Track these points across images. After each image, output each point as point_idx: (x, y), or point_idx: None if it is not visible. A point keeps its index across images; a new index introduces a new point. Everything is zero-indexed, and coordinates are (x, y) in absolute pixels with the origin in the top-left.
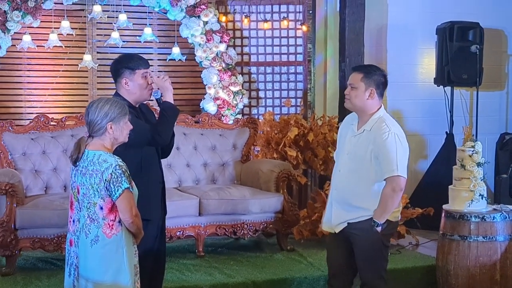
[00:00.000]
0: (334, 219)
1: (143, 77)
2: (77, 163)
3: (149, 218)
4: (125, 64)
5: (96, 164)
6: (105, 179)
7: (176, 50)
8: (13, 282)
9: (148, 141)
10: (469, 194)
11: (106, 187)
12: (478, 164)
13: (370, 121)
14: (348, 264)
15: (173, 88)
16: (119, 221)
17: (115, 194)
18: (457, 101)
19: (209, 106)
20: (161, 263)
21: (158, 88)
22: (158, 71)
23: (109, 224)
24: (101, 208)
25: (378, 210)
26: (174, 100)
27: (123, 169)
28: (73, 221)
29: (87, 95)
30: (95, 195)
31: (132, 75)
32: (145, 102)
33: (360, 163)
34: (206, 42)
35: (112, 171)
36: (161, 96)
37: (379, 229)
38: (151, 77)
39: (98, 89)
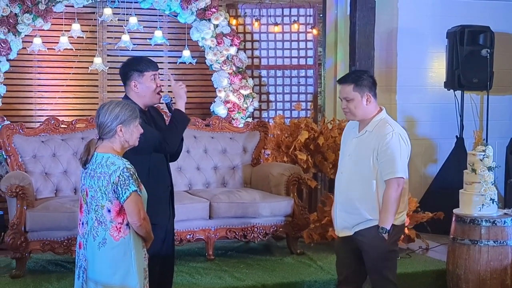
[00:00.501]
0: (338, 222)
1: (152, 80)
2: (87, 166)
3: (155, 222)
4: (133, 66)
5: (104, 166)
6: (113, 182)
7: (186, 53)
8: (23, 285)
9: (156, 148)
10: (479, 198)
11: (114, 190)
12: (489, 168)
13: (372, 122)
14: (357, 270)
15: None
16: (127, 224)
17: (123, 196)
18: (467, 105)
19: (220, 110)
20: (169, 266)
21: (169, 92)
22: (171, 74)
23: (116, 227)
24: (109, 210)
25: (383, 214)
26: (185, 103)
27: (131, 172)
28: (82, 223)
29: (97, 98)
30: (103, 197)
31: (141, 77)
32: (155, 106)
33: (361, 163)
34: (216, 45)
35: (120, 173)
36: (171, 100)
37: (386, 236)
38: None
39: (108, 92)
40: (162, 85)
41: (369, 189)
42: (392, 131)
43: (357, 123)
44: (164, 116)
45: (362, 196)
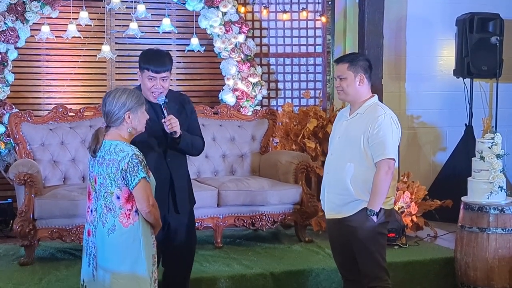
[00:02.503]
0: (326, 204)
1: (148, 79)
2: (96, 154)
3: None
4: (140, 59)
5: (113, 153)
6: (122, 169)
7: (194, 41)
8: (32, 272)
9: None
10: (488, 186)
11: (123, 177)
12: (498, 156)
13: (364, 106)
14: (350, 254)
15: (192, 79)
16: (136, 211)
17: (132, 183)
18: (476, 93)
19: (228, 98)
20: (174, 257)
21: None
22: (177, 62)
23: (125, 213)
24: (118, 197)
25: (372, 197)
26: (193, 91)
27: (139, 159)
28: (91, 211)
29: (105, 86)
30: (111, 184)
31: (141, 72)
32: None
33: (351, 144)
34: (225, 33)
35: (129, 160)
36: (165, 102)
37: (375, 218)
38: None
39: (116, 79)
40: (156, 87)
41: (358, 171)
42: (383, 113)
43: (348, 110)
44: (186, 105)
45: (351, 177)
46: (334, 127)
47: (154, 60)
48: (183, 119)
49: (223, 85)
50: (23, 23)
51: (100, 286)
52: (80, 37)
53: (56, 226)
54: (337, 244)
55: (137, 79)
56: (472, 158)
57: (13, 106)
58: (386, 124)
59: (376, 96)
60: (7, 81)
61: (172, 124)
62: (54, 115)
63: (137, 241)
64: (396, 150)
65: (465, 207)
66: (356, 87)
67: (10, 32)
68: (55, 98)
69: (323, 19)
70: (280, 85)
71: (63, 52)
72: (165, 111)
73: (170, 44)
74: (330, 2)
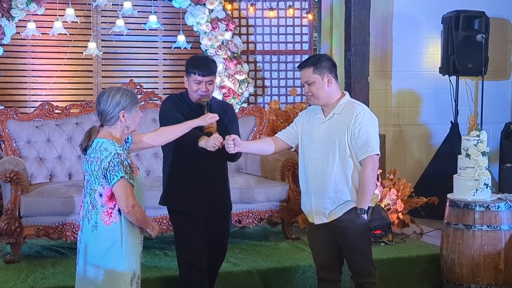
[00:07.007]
0: (314, 209)
1: (195, 83)
2: (86, 151)
3: (178, 209)
4: (187, 65)
5: (98, 151)
6: (103, 167)
7: (181, 38)
8: (18, 270)
9: None
10: (473, 183)
11: (104, 175)
12: (483, 153)
13: (338, 106)
14: (335, 255)
15: (179, 76)
16: (119, 210)
17: (111, 182)
18: (462, 90)
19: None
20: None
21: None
22: (163, 59)
23: (107, 211)
24: (100, 195)
25: (361, 195)
26: (180, 88)
27: (121, 158)
28: (81, 206)
29: (91, 83)
30: (95, 182)
31: (189, 77)
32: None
33: (334, 147)
34: (211, 30)
35: (110, 159)
36: (208, 104)
37: (365, 216)
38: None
39: (102, 77)
40: (202, 90)
41: (345, 171)
42: (362, 110)
43: (319, 108)
44: (228, 111)
45: (339, 178)
46: (307, 129)
47: (201, 65)
48: (224, 124)
49: None
50: (9, 20)
51: (89, 283)
52: (66, 34)
53: (42, 223)
54: (323, 246)
55: (122, 77)
56: (458, 156)
57: None
58: (367, 120)
59: (347, 93)
60: None
61: (208, 122)
62: (40, 112)
63: (118, 240)
64: (378, 144)
65: (451, 204)
66: (326, 89)
67: None
68: (41, 95)
69: (310, 16)
70: (267, 83)
71: (49, 49)
72: (205, 112)
73: (157, 41)
74: (316, 0)
